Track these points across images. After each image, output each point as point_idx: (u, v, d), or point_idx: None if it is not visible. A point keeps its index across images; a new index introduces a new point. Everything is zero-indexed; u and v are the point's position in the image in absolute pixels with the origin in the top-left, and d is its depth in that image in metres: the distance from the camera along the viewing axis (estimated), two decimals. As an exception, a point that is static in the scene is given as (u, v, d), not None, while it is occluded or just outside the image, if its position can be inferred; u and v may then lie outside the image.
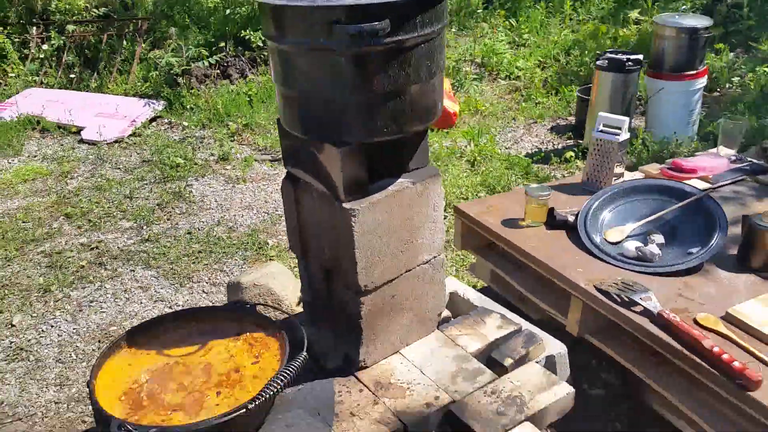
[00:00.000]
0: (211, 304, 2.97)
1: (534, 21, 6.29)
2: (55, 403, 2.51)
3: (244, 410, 1.32)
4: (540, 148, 4.49)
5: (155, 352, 1.60)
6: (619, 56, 3.84)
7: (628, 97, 3.95)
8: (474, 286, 2.85)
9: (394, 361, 1.77)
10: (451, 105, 4.75)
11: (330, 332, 1.81)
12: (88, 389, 1.43)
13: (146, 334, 1.62)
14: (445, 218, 2.71)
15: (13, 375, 2.65)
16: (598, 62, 3.93)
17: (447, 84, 5.00)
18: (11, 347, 2.81)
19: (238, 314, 1.69)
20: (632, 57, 3.82)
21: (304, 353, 1.49)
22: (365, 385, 1.68)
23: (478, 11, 6.51)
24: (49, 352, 2.78)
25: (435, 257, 1.73)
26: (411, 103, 1.42)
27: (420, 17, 1.36)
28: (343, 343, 1.75)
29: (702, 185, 2.58)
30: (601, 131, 2.41)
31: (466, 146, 4.47)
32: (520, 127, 4.87)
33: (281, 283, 2.25)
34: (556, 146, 4.47)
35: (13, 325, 2.95)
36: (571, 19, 6.27)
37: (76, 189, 4.22)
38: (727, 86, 5.02)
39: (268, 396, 1.36)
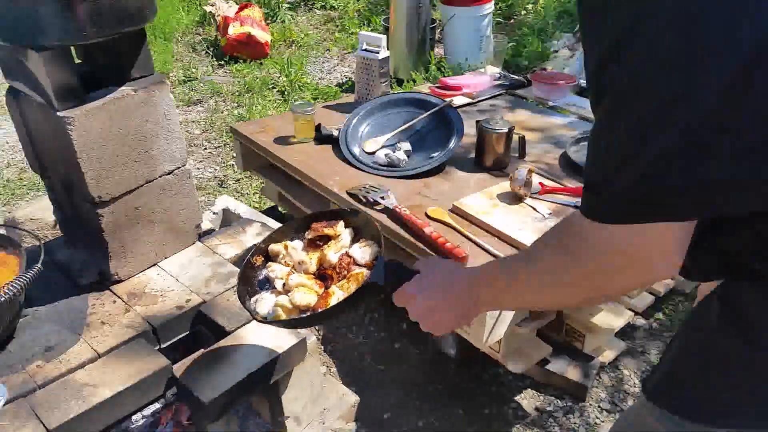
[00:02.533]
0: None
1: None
2: None
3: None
4: (350, 77, 4.63)
5: None
6: (411, -17, 4.01)
7: (422, 23, 4.17)
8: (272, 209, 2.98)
9: (150, 273, 1.85)
10: (261, 35, 4.74)
11: (84, 250, 1.85)
12: None
13: None
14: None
15: None
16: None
17: (259, 13, 4.96)
18: None
19: (-23, 238, 1.68)
20: (421, -17, 4.01)
21: (38, 265, 1.52)
22: (119, 297, 1.75)
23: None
24: None
25: (179, 168, 1.80)
26: (110, 4, 1.40)
27: None
28: (96, 258, 1.79)
29: (465, 100, 2.85)
30: (364, 50, 2.57)
31: (278, 77, 4.50)
32: (333, 58, 4.97)
33: (50, 212, 2.22)
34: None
35: None
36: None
37: None
38: (522, 12, 5.41)
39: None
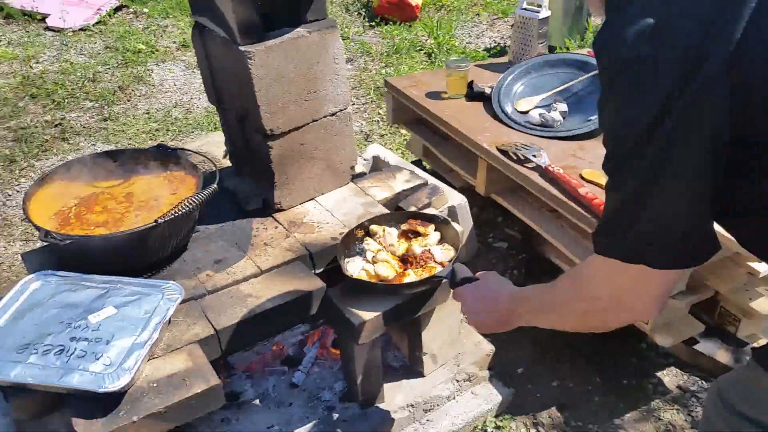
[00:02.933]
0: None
1: None
2: (21, 254, 2.72)
3: (154, 223, 1.52)
4: (499, 43, 4.57)
5: (84, 183, 1.78)
6: (575, -53, 3.86)
7: (582, -10, 4.01)
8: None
9: (308, 205, 1.96)
10: (413, -2, 4.78)
11: (251, 179, 2.00)
12: (22, 209, 1.63)
13: (76, 170, 1.80)
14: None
15: (-19, 232, 2.85)
16: (554, -47, 3.94)
17: (412, -24, 4.99)
18: (-21, 209, 3.00)
19: (162, 156, 1.87)
20: (587, -52, 3.83)
21: (214, 186, 1.67)
22: (280, 224, 1.88)
23: None
24: (15, 212, 2.98)
25: (341, 110, 1.89)
26: None
27: None
28: (262, 188, 1.93)
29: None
30: (524, 8, 2.53)
31: (426, 39, 4.54)
32: (483, 23, 4.92)
33: (219, 146, 2.41)
34: (513, 41, 4.55)
35: (-21, 191, 3.13)
36: None
37: (41, 72, 4.29)
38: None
39: (175, 214, 1.55)
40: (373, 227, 1.80)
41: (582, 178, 1.95)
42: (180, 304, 1.54)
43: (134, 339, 1.41)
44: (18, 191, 3.12)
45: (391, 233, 1.78)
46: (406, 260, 1.71)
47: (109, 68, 4.32)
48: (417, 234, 1.78)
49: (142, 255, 1.62)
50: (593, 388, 1.93)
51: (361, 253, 1.75)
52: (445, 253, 1.70)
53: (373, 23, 4.84)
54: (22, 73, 4.27)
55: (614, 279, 0.94)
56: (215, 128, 3.58)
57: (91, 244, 1.56)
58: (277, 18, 1.73)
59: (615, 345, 2.06)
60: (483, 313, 1.33)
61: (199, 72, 1.99)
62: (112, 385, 1.32)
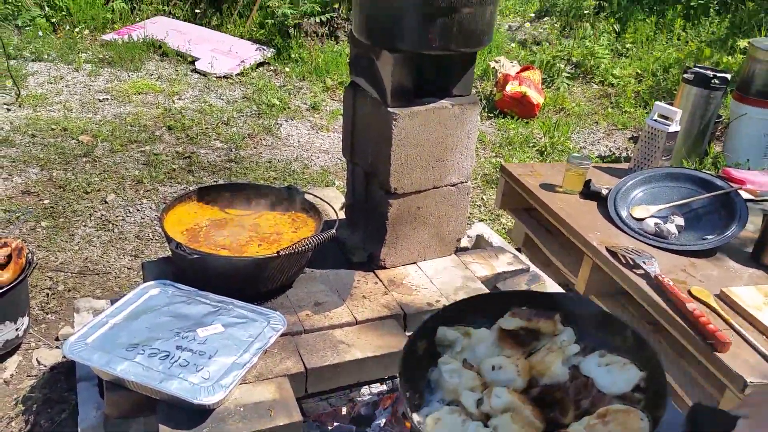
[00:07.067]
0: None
1: (641, 34, 6.29)
2: (128, 268, 2.93)
3: (276, 254, 1.63)
4: (614, 152, 4.58)
5: (218, 208, 1.94)
6: (707, 72, 3.87)
7: (708, 115, 3.98)
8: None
9: (410, 269, 2.03)
10: (535, 96, 4.90)
11: (361, 233, 2.09)
12: (159, 220, 1.79)
13: (213, 195, 1.96)
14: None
15: (99, 240, 3.10)
16: (684, 75, 3.97)
17: (538, 76, 5.15)
18: (101, 219, 3.27)
19: (290, 196, 2.00)
20: (720, 74, 3.84)
21: (332, 231, 1.77)
22: (380, 280, 1.95)
23: (587, 13, 6.58)
24: (131, 228, 3.22)
25: (462, 182, 1.97)
26: (460, 23, 1.62)
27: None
28: (370, 243, 2.02)
29: (747, 196, 2.67)
30: (655, 120, 2.55)
31: (541, 138, 4.62)
32: (600, 131, 4.96)
33: (333, 200, 2.54)
34: (630, 154, 4.54)
35: (106, 202, 3.41)
36: (678, 39, 6.23)
37: (181, 108, 4.69)
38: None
39: (295, 250, 1.65)
40: (445, 334, 1.00)
41: (690, 294, 1.90)
42: (279, 336, 1.61)
43: (235, 359, 1.49)
44: (138, 210, 3.38)
45: (484, 339, 0.98)
46: (546, 400, 0.87)
47: (242, 116, 4.67)
48: (535, 334, 1.00)
49: (257, 282, 1.72)
50: None
51: (439, 391, 0.93)
52: (619, 374, 0.88)
53: (492, 115, 4.99)
54: (165, 105, 4.69)
55: None
56: (326, 185, 3.76)
57: (216, 262, 1.68)
58: (426, 88, 1.85)
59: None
60: None
61: (338, 128, 2.13)
62: (207, 399, 1.39)
